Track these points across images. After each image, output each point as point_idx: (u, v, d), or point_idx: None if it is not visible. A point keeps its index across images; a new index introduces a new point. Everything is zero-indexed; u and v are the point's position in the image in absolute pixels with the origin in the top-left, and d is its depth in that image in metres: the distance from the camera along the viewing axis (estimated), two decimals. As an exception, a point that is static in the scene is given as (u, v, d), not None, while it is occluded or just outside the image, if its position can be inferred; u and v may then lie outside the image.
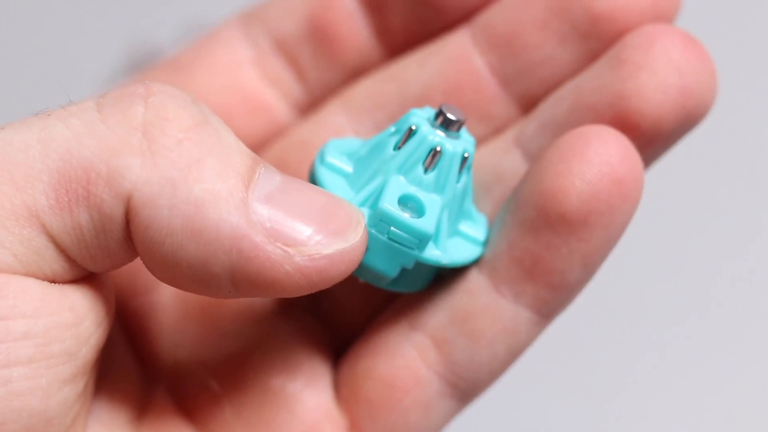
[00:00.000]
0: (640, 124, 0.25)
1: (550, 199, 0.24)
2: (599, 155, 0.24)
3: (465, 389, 0.26)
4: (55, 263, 0.22)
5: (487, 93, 0.28)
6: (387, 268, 0.25)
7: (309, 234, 0.23)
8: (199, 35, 0.32)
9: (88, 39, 0.59)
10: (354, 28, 0.30)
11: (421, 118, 0.26)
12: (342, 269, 0.23)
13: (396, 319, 0.27)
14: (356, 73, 0.30)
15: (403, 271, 0.26)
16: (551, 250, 0.25)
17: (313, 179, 0.26)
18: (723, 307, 0.53)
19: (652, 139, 0.25)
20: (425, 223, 0.25)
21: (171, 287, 0.29)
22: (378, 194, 0.25)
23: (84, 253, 0.23)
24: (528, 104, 0.28)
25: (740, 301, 0.53)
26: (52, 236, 0.22)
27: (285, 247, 0.22)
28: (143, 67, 0.56)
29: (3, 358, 0.21)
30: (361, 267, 0.25)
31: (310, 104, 0.31)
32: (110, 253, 0.23)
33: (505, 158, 0.27)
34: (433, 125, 0.25)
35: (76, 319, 0.23)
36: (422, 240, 0.25)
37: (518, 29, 0.27)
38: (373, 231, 0.25)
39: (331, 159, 0.26)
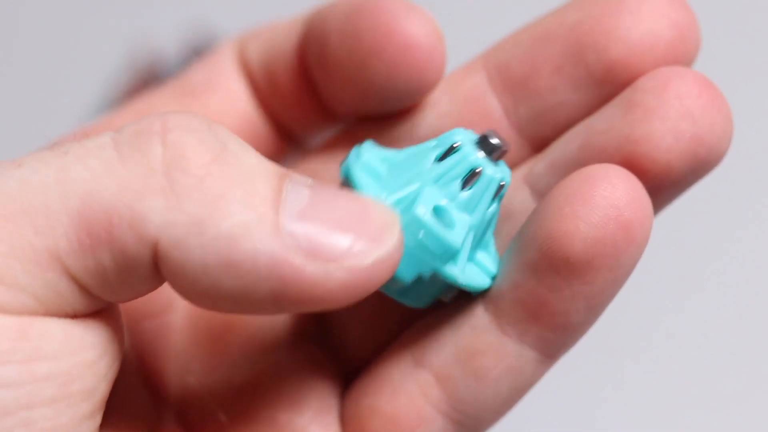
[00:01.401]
0: (649, 169, 0.25)
1: (555, 243, 0.24)
2: (605, 198, 0.24)
3: (469, 427, 0.26)
4: (77, 302, 0.22)
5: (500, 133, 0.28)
6: (404, 273, 0.25)
7: (348, 244, 0.22)
8: (202, 58, 0.32)
9: (88, 39, 0.60)
10: (301, 96, 0.30)
11: (465, 136, 0.26)
12: (383, 276, 0.23)
13: (400, 354, 0.27)
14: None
15: (416, 281, 0.25)
16: (555, 293, 0.25)
17: (346, 174, 0.26)
18: (733, 332, 0.53)
19: (661, 185, 0.25)
20: (454, 236, 0.25)
21: (184, 310, 0.29)
22: (412, 200, 0.25)
23: (107, 290, 0.23)
24: (540, 146, 0.28)
25: (749, 325, 0.52)
26: (75, 277, 0.22)
27: (325, 264, 0.22)
28: (143, 65, 0.57)
29: (26, 400, 0.22)
30: None
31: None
32: (134, 288, 0.23)
33: (514, 195, 0.27)
34: (476, 147, 0.25)
35: (96, 357, 0.23)
36: (447, 252, 0.25)
37: (533, 72, 0.27)
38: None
39: (367, 158, 0.26)
